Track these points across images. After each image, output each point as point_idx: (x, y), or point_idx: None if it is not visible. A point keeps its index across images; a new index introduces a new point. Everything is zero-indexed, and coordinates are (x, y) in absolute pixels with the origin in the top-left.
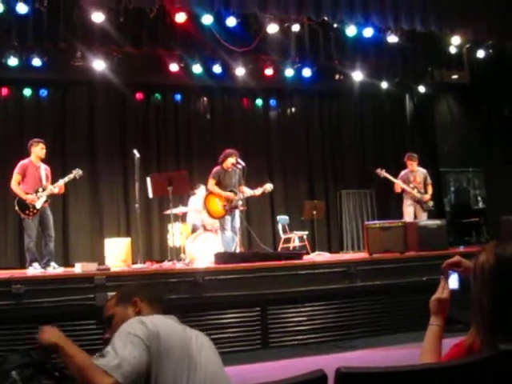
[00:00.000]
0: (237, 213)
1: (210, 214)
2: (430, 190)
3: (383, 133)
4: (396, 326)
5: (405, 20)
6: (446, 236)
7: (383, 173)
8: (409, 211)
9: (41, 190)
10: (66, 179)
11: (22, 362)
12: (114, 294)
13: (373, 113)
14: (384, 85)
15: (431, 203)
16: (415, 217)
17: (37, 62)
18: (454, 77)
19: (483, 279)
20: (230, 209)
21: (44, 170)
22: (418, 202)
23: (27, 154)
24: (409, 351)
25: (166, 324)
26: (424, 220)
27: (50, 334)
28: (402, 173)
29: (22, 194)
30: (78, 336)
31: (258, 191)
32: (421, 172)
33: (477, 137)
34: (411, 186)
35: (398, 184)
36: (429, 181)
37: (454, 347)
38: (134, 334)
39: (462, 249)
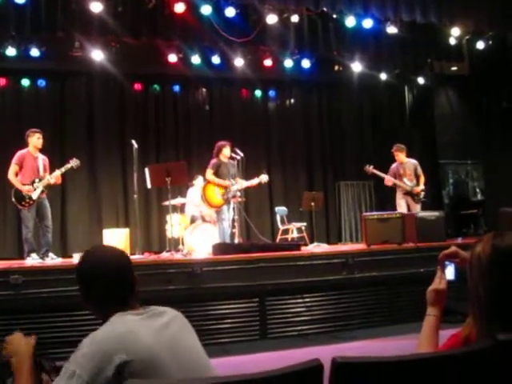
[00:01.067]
0: (232, 204)
1: (208, 204)
2: (421, 180)
3: (382, 124)
4: (394, 316)
5: (404, 11)
6: (445, 228)
7: (371, 169)
8: (401, 203)
9: (37, 180)
10: (63, 169)
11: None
12: None
13: (372, 104)
14: (383, 76)
15: (423, 194)
16: (408, 209)
17: (35, 52)
18: (454, 68)
19: (480, 269)
20: (227, 198)
21: (42, 160)
22: (410, 194)
23: (25, 145)
24: (407, 342)
25: (132, 335)
26: (422, 211)
27: (16, 346)
28: (393, 166)
29: (18, 185)
30: (76, 327)
31: (254, 182)
32: (411, 163)
33: (476, 128)
34: (404, 179)
35: (388, 178)
36: (419, 171)
37: (452, 337)
38: (80, 370)
39: (460, 240)
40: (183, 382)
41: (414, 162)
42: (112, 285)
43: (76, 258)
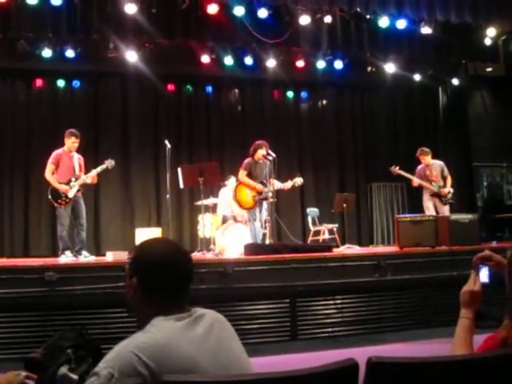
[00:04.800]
0: (263, 205)
1: (240, 205)
2: (448, 182)
3: (415, 126)
4: (426, 320)
5: (439, 11)
6: (478, 231)
7: (397, 170)
8: (429, 206)
9: (73, 179)
10: (99, 169)
11: (77, 341)
12: None
13: (405, 105)
14: (417, 77)
15: (450, 196)
16: (436, 211)
17: (70, 53)
18: (489, 69)
19: None
20: (259, 200)
21: (77, 159)
22: (437, 195)
23: (61, 144)
24: (439, 346)
25: (172, 347)
26: (456, 214)
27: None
28: (419, 167)
29: (55, 184)
30: (109, 324)
31: (288, 185)
32: (437, 165)
33: (511, 131)
34: (431, 180)
35: (414, 179)
36: (446, 173)
37: (488, 339)
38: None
39: (494, 244)
40: (222, 376)
41: (440, 163)
42: (174, 273)
43: (110, 257)
